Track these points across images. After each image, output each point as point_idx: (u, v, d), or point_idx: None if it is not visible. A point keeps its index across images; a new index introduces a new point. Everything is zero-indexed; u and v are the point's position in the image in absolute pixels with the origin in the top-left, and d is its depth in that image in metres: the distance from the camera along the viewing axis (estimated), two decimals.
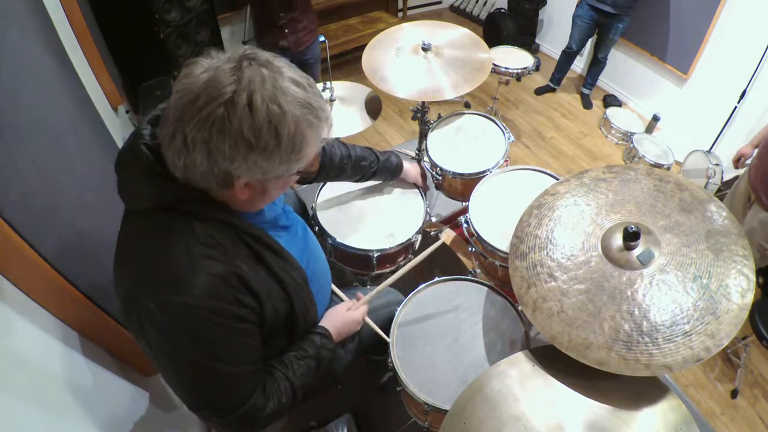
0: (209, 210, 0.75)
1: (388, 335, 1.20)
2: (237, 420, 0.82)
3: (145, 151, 0.71)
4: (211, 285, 0.71)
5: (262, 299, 0.80)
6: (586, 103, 3.61)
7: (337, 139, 1.40)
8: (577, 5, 3.16)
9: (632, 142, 2.96)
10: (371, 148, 1.39)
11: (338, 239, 1.37)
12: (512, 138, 1.72)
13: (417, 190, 1.54)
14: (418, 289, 1.31)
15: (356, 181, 1.41)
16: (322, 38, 1.65)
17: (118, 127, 2.11)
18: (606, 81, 3.72)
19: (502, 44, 3.06)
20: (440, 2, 4.88)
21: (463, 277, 1.34)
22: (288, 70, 0.69)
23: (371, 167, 1.37)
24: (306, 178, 1.20)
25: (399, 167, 1.46)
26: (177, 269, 0.70)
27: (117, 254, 0.77)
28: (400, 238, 1.39)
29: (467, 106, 3.52)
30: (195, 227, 0.73)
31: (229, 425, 0.84)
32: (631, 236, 0.91)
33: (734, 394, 1.95)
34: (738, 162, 1.97)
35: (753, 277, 0.85)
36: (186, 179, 0.70)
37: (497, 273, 1.43)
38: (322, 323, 1.06)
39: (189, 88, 0.63)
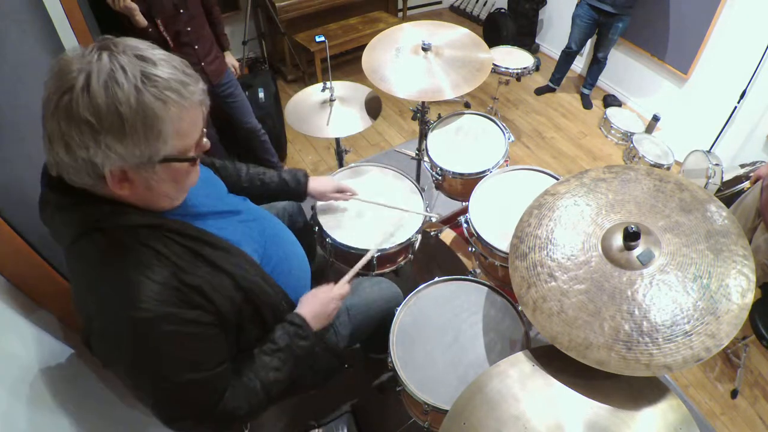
0: (126, 219, 0.73)
1: (387, 339, 1.20)
2: (211, 427, 0.82)
3: (50, 190, 0.73)
4: (154, 292, 0.70)
5: (209, 294, 0.78)
6: (586, 103, 3.61)
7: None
8: (577, 5, 3.15)
9: (632, 142, 2.96)
10: (277, 168, 1.32)
11: (338, 239, 1.36)
12: (512, 138, 1.72)
13: (417, 190, 1.54)
14: (418, 289, 1.31)
15: (261, 201, 1.26)
16: (322, 38, 1.65)
17: None
18: (606, 81, 3.72)
19: (502, 44, 3.06)
20: (440, 2, 4.88)
21: (463, 277, 1.34)
22: (136, 47, 0.65)
23: (270, 182, 1.28)
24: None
25: (302, 184, 1.33)
26: (119, 287, 0.70)
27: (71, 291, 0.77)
28: (400, 238, 1.39)
29: (467, 106, 3.52)
30: (122, 241, 0.72)
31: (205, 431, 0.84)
32: (631, 236, 0.91)
33: (734, 394, 1.95)
34: (755, 182, 1.96)
35: (753, 277, 0.85)
36: (71, 182, 0.68)
37: (497, 273, 1.43)
38: (296, 310, 1.02)
39: (45, 86, 0.63)
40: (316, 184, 1.35)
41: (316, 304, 1.05)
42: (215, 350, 0.80)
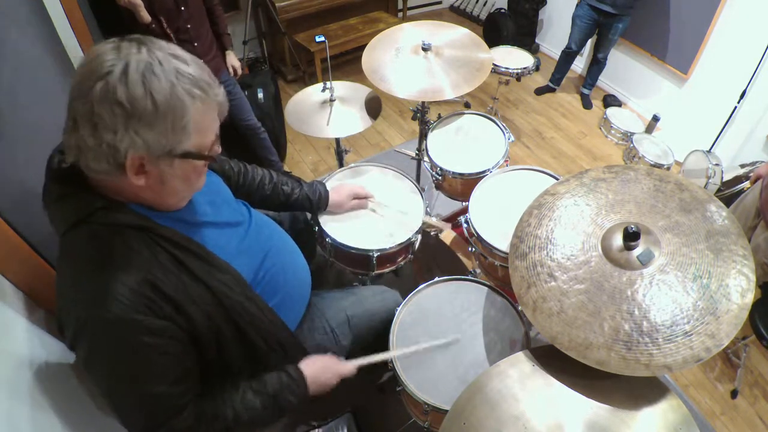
0: (119, 218, 0.74)
1: (387, 341, 1.20)
2: None
3: (54, 177, 0.75)
4: (122, 296, 0.70)
5: (183, 307, 0.77)
6: (586, 103, 3.61)
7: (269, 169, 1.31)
8: (577, 5, 3.15)
9: (632, 142, 2.96)
10: (299, 179, 1.34)
11: (338, 239, 1.36)
12: (512, 138, 1.72)
13: (417, 190, 1.54)
14: (418, 289, 1.31)
15: (279, 209, 1.33)
16: (322, 38, 1.65)
17: None
18: (606, 81, 3.72)
19: (502, 44, 3.06)
20: (440, 2, 4.88)
21: (463, 277, 1.34)
22: (168, 46, 0.70)
23: (293, 194, 1.29)
24: (246, 192, 1.14)
25: (324, 199, 1.35)
26: (91, 284, 0.71)
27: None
28: (400, 238, 1.39)
29: (467, 106, 3.52)
30: (107, 238, 0.73)
31: None
32: (631, 236, 0.91)
33: (734, 394, 1.95)
34: (755, 182, 1.96)
35: (753, 277, 0.85)
36: (87, 169, 0.70)
37: (497, 273, 1.43)
38: (300, 364, 1.01)
39: (77, 74, 0.66)
40: (335, 198, 1.38)
41: (319, 369, 1.03)
42: (174, 367, 0.78)
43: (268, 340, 0.96)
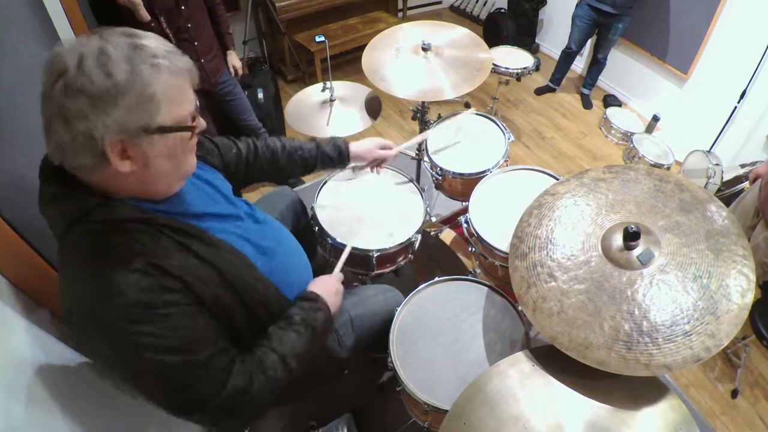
0: (117, 212, 0.73)
1: (387, 342, 1.20)
2: (221, 410, 0.78)
3: (48, 182, 0.74)
4: (132, 280, 0.70)
5: (191, 285, 0.76)
6: (586, 103, 3.61)
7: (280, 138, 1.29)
8: (577, 5, 3.15)
9: (632, 142, 2.96)
10: (315, 138, 1.30)
11: (338, 239, 1.36)
12: (512, 138, 1.72)
13: (417, 190, 1.54)
14: (418, 289, 1.31)
15: (300, 174, 1.31)
16: (322, 38, 1.65)
17: None
18: (606, 81, 3.72)
19: (502, 44, 3.06)
20: (440, 2, 4.88)
21: (463, 277, 1.34)
22: (124, 29, 0.69)
23: (310, 156, 1.26)
24: (231, 177, 1.12)
25: (344, 152, 1.31)
26: (99, 280, 0.70)
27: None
28: (400, 238, 1.39)
29: (467, 106, 3.52)
30: (108, 235, 0.72)
31: (216, 418, 0.80)
32: (631, 236, 0.92)
33: (734, 394, 1.95)
34: (754, 181, 1.96)
35: (753, 277, 0.85)
36: (71, 168, 0.69)
37: (497, 273, 1.43)
38: (307, 289, 1.03)
39: (42, 83, 0.66)
40: (358, 148, 1.33)
41: (322, 285, 1.05)
42: (204, 328, 0.77)
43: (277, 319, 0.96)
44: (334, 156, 1.29)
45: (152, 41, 0.70)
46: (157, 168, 0.73)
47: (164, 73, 0.69)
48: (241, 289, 0.85)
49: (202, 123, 0.78)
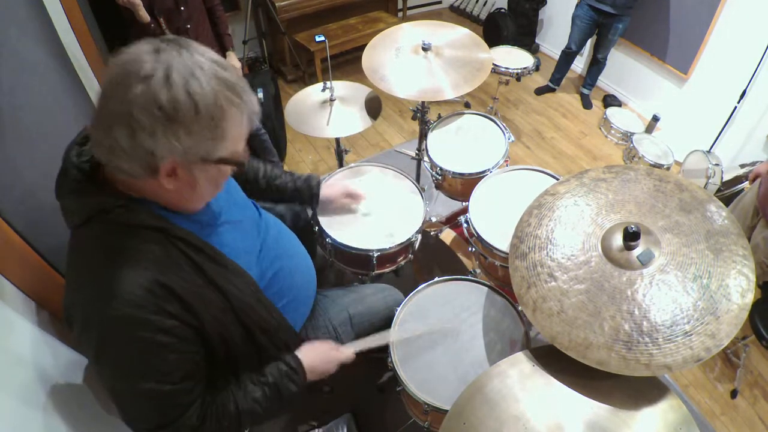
0: (136, 217, 0.73)
1: (386, 341, 1.19)
2: None
3: (72, 170, 0.74)
4: (135, 295, 0.70)
5: (193, 307, 0.77)
6: (586, 103, 3.61)
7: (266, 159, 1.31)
8: (577, 5, 3.15)
9: (632, 142, 2.96)
10: (291, 172, 1.33)
11: (338, 239, 1.36)
12: (512, 138, 1.72)
13: (417, 190, 1.54)
14: (418, 289, 1.31)
15: (273, 202, 1.32)
16: (322, 38, 1.65)
17: None
18: (606, 81, 3.72)
19: (502, 44, 3.06)
20: (440, 2, 4.88)
21: (463, 277, 1.34)
22: (206, 50, 0.70)
23: (285, 188, 1.29)
24: (244, 187, 1.13)
25: (315, 194, 1.34)
26: (103, 281, 0.70)
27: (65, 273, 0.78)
28: (400, 238, 1.39)
29: (467, 106, 3.52)
30: (123, 237, 0.73)
31: None
32: (631, 236, 0.91)
33: (734, 394, 1.95)
34: (753, 180, 1.97)
35: (753, 277, 0.85)
36: (116, 170, 0.69)
37: (497, 273, 1.43)
38: (297, 353, 1.01)
39: (112, 74, 0.65)
40: (327, 192, 1.37)
41: (317, 358, 1.03)
42: (182, 365, 0.78)
43: (276, 342, 0.96)
44: (305, 195, 1.33)
45: (233, 75, 0.70)
46: (199, 190, 0.76)
47: (237, 111, 0.70)
48: (242, 313, 0.86)
49: (247, 154, 0.79)
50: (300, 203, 1.36)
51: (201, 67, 0.66)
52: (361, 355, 1.13)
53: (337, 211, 1.44)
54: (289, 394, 0.95)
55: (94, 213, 0.72)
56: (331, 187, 1.39)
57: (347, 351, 1.10)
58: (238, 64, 2.39)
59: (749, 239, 1.93)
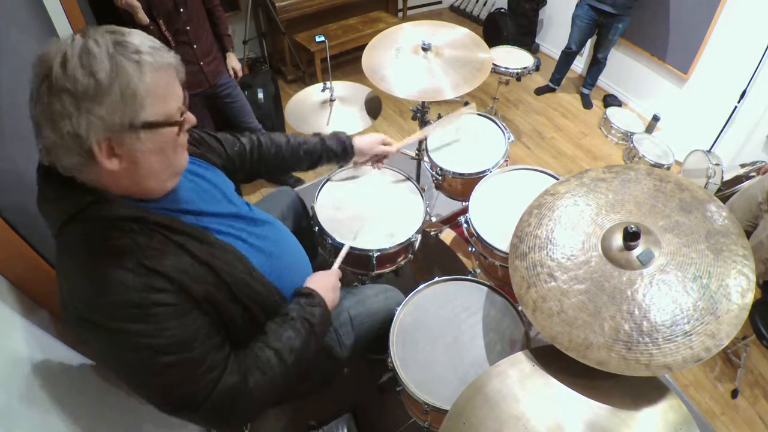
0: (110, 209, 0.73)
1: (387, 342, 1.20)
2: (214, 409, 0.77)
3: (41, 181, 0.74)
4: (124, 280, 0.70)
5: (185, 285, 0.76)
6: (586, 103, 3.61)
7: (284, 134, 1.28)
8: (577, 5, 3.15)
9: (632, 142, 2.96)
10: (319, 133, 1.31)
11: (338, 239, 1.36)
12: (512, 138, 1.72)
13: (417, 190, 1.54)
14: (418, 289, 1.31)
15: (304, 169, 1.30)
16: (322, 38, 1.65)
17: None
18: (606, 81, 3.72)
19: (502, 44, 3.06)
20: (440, 2, 4.88)
21: (463, 277, 1.34)
22: (108, 27, 0.69)
23: (314, 151, 1.27)
24: (237, 172, 1.13)
25: (348, 147, 1.32)
26: (94, 276, 0.70)
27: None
28: (400, 238, 1.39)
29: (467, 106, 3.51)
30: (102, 232, 0.72)
31: (210, 417, 0.79)
32: (631, 236, 0.91)
33: (734, 394, 1.95)
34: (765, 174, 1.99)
35: (753, 277, 0.85)
36: (62, 169, 0.69)
37: (497, 273, 1.43)
38: (304, 285, 1.02)
39: (30, 84, 0.66)
40: (361, 143, 1.34)
41: (320, 282, 1.04)
42: (196, 326, 0.77)
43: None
44: (338, 150, 1.31)
45: (136, 38, 0.69)
46: (146, 165, 0.73)
47: (148, 69, 0.68)
48: (236, 289, 0.85)
49: (191, 118, 0.77)
50: (335, 161, 1.33)
51: (96, 41, 0.65)
52: (361, 357, 1.14)
53: (336, 209, 1.43)
54: (318, 320, 0.95)
55: (69, 215, 0.72)
56: (363, 139, 1.36)
57: (333, 270, 1.14)
58: (238, 65, 2.38)
59: (753, 228, 1.94)
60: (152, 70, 0.69)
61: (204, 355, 0.77)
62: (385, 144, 1.40)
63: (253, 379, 0.83)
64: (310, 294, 0.99)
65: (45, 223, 0.77)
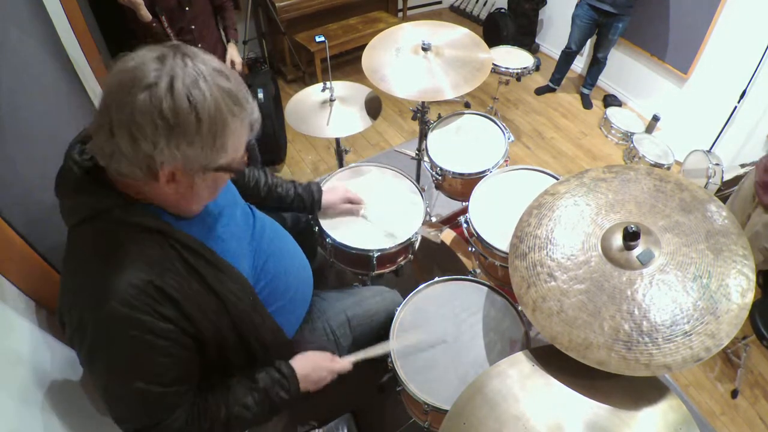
0: (135, 218, 0.73)
1: (387, 339, 1.19)
2: None
3: (73, 167, 0.74)
4: (128, 294, 0.70)
5: (188, 311, 0.76)
6: (586, 103, 3.61)
7: (262, 167, 1.31)
8: (577, 5, 3.15)
9: (632, 142, 2.96)
10: (293, 180, 1.34)
11: (338, 239, 1.36)
12: (512, 138, 1.72)
13: (417, 190, 1.54)
14: (418, 289, 1.31)
15: (274, 211, 1.27)
16: (322, 38, 1.65)
17: None
18: (606, 81, 3.72)
19: (502, 44, 3.06)
20: (440, 2, 4.88)
21: (463, 277, 1.34)
22: (212, 60, 0.70)
23: (287, 196, 1.29)
24: (245, 194, 1.13)
25: (316, 202, 1.35)
26: (98, 279, 0.70)
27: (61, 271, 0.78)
28: (400, 238, 1.39)
29: (467, 106, 3.52)
30: (120, 237, 0.73)
31: None
32: (631, 236, 0.91)
33: (734, 394, 1.95)
34: None
35: (753, 276, 0.85)
36: (116, 172, 0.69)
37: (497, 273, 1.43)
38: (292, 361, 1.00)
39: (116, 79, 0.65)
40: (327, 199, 1.37)
41: (310, 367, 1.01)
42: (175, 368, 0.77)
43: (269, 349, 0.96)
44: (307, 203, 1.34)
45: (236, 85, 0.70)
46: (198, 192, 0.76)
47: (239, 121, 0.71)
48: (238, 320, 0.86)
49: (246, 160, 0.80)
50: (301, 211, 1.37)
51: (204, 77, 0.66)
52: (358, 363, 1.13)
53: (338, 215, 1.44)
54: (280, 402, 0.94)
55: (93, 212, 0.72)
56: (332, 191, 1.39)
57: (344, 362, 1.09)
58: (238, 59, 2.37)
59: (747, 226, 1.94)
60: (241, 123, 0.72)
61: (164, 395, 0.77)
62: (351, 202, 1.42)
63: (195, 429, 0.83)
64: (287, 377, 0.96)
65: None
